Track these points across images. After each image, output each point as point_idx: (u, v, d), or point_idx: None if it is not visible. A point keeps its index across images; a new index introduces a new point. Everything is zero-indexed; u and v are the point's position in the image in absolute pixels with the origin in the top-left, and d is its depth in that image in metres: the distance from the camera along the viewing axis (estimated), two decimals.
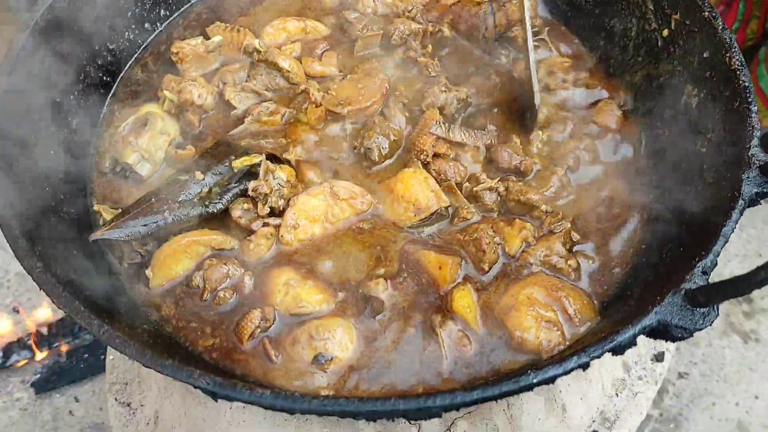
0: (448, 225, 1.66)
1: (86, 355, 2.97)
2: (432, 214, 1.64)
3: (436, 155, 1.71)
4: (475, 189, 1.67)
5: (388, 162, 1.76)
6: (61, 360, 2.96)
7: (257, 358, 1.47)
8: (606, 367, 1.92)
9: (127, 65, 2.04)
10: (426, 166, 1.71)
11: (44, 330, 2.99)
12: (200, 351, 1.49)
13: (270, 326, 1.49)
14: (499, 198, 1.68)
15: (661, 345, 2.04)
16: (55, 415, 2.95)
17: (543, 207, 1.65)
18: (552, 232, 1.62)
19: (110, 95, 1.98)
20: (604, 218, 1.68)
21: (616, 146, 1.83)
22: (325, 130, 1.81)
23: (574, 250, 1.62)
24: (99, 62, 1.94)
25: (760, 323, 3.09)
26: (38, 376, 2.96)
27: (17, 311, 3.20)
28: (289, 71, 1.85)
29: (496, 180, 1.68)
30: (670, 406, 2.90)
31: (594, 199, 1.72)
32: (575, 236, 1.62)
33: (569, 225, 1.63)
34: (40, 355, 2.98)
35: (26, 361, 3.01)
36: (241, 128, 1.81)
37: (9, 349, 2.99)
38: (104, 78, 1.97)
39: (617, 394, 1.91)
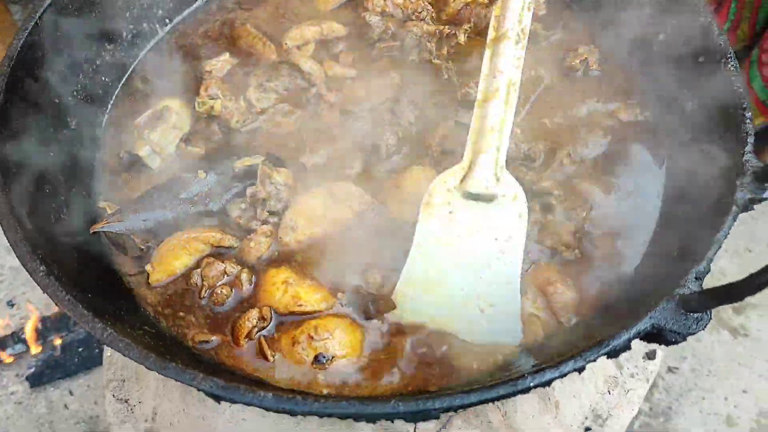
0: None
1: (81, 349, 2.98)
2: None
3: (444, 152, 1.69)
4: None
5: (395, 158, 1.73)
6: (56, 354, 2.97)
7: (254, 357, 1.48)
8: (599, 365, 1.95)
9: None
10: (434, 163, 1.69)
11: (39, 324, 3.00)
12: (198, 349, 1.50)
13: (267, 325, 1.50)
14: None
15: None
16: (50, 408, 2.97)
17: (555, 192, 1.63)
18: (567, 220, 1.58)
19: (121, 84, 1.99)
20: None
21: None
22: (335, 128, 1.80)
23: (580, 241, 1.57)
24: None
25: (749, 318, 3.13)
26: (33, 369, 2.98)
27: (12, 305, 3.21)
28: (310, 73, 1.87)
29: None
30: (660, 400, 2.95)
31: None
32: (588, 227, 1.59)
33: (584, 214, 1.59)
34: (34, 349, 2.98)
35: (21, 354, 3.02)
36: (254, 126, 1.82)
37: (3, 342, 3.00)
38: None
39: (609, 392, 1.94)
